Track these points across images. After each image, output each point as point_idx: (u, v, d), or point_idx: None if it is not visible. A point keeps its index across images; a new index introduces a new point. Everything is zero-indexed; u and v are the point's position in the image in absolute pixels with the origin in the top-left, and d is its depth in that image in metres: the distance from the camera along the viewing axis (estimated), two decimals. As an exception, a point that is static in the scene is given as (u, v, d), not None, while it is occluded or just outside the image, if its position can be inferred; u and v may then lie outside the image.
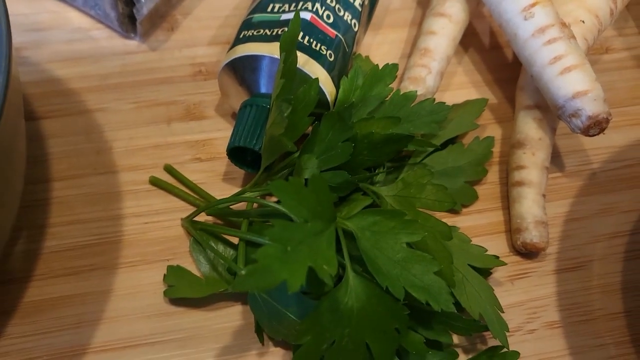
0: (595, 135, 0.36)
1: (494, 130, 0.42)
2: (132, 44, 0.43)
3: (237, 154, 0.36)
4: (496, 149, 0.41)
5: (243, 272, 0.23)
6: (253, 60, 0.36)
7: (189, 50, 0.43)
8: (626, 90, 0.44)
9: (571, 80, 0.36)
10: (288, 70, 0.32)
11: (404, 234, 0.30)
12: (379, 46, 0.45)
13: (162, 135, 0.40)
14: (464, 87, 0.44)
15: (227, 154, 0.36)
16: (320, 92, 0.36)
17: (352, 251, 0.31)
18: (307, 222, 0.27)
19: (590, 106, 0.35)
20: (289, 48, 0.32)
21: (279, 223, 0.26)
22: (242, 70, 0.36)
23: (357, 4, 0.40)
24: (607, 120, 0.35)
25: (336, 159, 0.33)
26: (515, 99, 0.41)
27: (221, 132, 0.40)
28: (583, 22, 0.40)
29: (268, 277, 0.24)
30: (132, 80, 0.42)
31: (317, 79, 0.34)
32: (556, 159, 0.41)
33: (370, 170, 0.36)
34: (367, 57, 0.42)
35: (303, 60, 0.35)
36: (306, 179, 0.33)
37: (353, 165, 0.34)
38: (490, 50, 0.45)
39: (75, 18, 0.44)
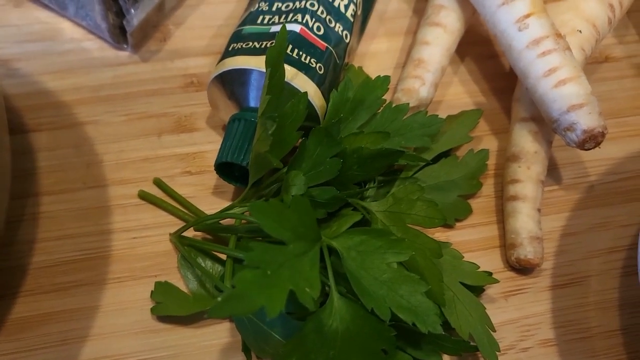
0: (591, 149, 0.35)
1: (489, 142, 0.41)
2: (124, 55, 0.43)
3: (226, 168, 0.36)
4: (491, 161, 0.40)
5: (219, 298, 0.23)
6: (241, 74, 0.35)
7: (181, 61, 0.43)
8: (626, 100, 0.43)
9: (566, 93, 0.35)
10: (274, 86, 0.32)
11: (391, 254, 0.30)
12: (373, 56, 0.44)
13: (152, 148, 0.39)
14: (459, 97, 0.43)
15: (215, 169, 0.36)
16: (310, 106, 0.35)
17: (338, 268, 0.30)
18: (289, 244, 0.27)
19: (586, 120, 0.34)
20: (275, 63, 0.32)
21: (258, 246, 0.25)
22: (230, 83, 0.36)
23: (349, 14, 0.39)
24: (603, 134, 0.35)
25: (324, 175, 0.33)
26: (511, 110, 0.40)
27: (212, 145, 0.40)
28: (580, 32, 0.39)
29: (245, 304, 0.23)
30: (124, 92, 0.41)
31: (305, 93, 0.33)
32: (553, 171, 0.40)
33: (360, 184, 0.36)
34: (360, 68, 0.41)
35: (292, 74, 0.35)
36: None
37: (342, 180, 0.34)
38: (487, 59, 0.44)
39: (68, 29, 0.44)
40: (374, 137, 0.34)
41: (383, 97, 0.36)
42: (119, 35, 0.42)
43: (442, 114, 0.40)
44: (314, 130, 0.33)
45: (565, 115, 0.35)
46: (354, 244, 0.30)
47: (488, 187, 0.39)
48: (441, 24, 0.41)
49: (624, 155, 0.41)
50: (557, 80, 0.35)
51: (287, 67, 0.35)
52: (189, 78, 0.42)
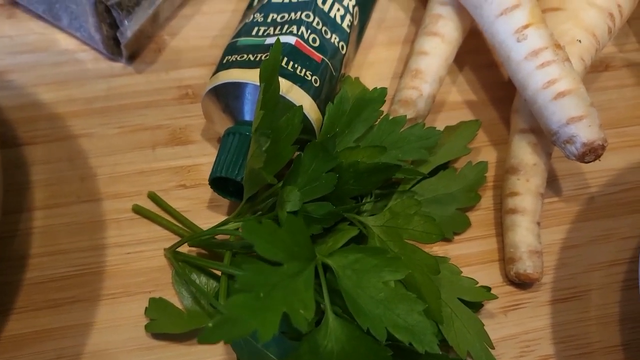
0: (591, 161, 0.35)
1: (488, 153, 0.41)
2: (118, 66, 0.42)
3: (220, 183, 0.36)
4: (490, 173, 0.40)
5: (210, 324, 0.22)
6: (236, 88, 0.35)
7: (176, 72, 0.42)
8: (626, 110, 0.42)
9: (565, 105, 0.34)
10: (268, 100, 0.31)
11: (387, 272, 0.29)
12: (370, 66, 0.43)
13: (146, 161, 0.39)
14: (458, 107, 0.42)
15: (209, 184, 0.35)
16: (305, 119, 0.35)
17: (334, 286, 0.30)
18: (283, 264, 0.26)
19: (585, 132, 0.34)
20: (269, 77, 0.31)
21: (250, 267, 0.25)
22: (225, 97, 0.36)
23: (345, 25, 0.38)
24: (603, 147, 0.34)
25: (320, 190, 0.32)
26: (510, 121, 0.40)
27: (207, 158, 0.39)
28: (580, 41, 0.38)
29: (237, 329, 0.23)
30: (118, 104, 0.41)
31: (300, 106, 0.33)
32: (553, 183, 0.39)
33: (357, 198, 0.35)
34: (357, 79, 0.41)
35: (287, 87, 0.34)
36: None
37: (339, 195, 0.33)
38: (486, 68, 0.44)
39: (62, 40, 0.43)
40: (371, 152, 0.34)
41: (380, 109, 0.36)
42: (113, 46, 0.42)
43: (441, 125, 0.39)
44: (309, 145, 0.32)
45: (564, 127, 0.34)
46: (350, 263, 0.29)
47: (487, 199, 0.39)
48: (439, 33, 0.40)
49: (625, 166, 0.40)
50: (556, 92, 0.35)
51: (282, 80, 0.34)
52: (183, 89, 0.42)
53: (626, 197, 0.39)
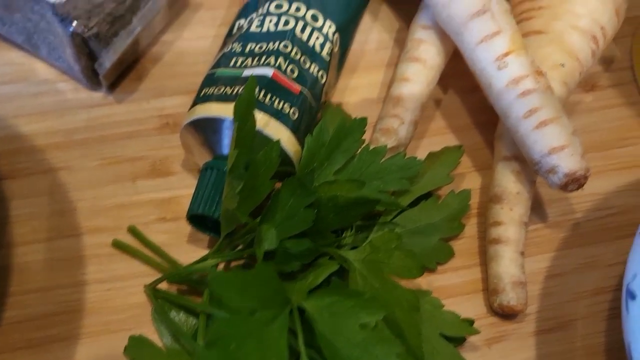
0: (574, 190, 0.34)
1: (473, 179, 0.40)
2: (98, 96, 0.42)
3: (199, 218, 0.35)
4: (475, 200, 0.39)
5: (177, 383, 0.22)
6: (213, 122, 0.35)
7: (156, 101, 0.42)
8: (612, 131, 0.42)
9: (547, 134, 0.34)
10: (243, 139, 0.31)
11: (364, 314, 0.29)
12: (353, 91, 0.43)
13: (126, 194, 0.39)
14: (441, 132, 0.42)
15: (187, 220, 0.35)
16: (283, 153, 0.34)
17: (311, 324, 0.29)
18: (255, 313, 0.26)
19: (567, 163, 0.33)
20: (244, 115, 0.31)
21: (221, 320, 0.24)
22: (203, 130, 0.35)
23: (324, 54, 0.38)
24: (586, 177, 0.34)
25: (298, 225, 0.32)
26: (494, 148, 0.39)
27: (188, 190, 0.39)
28: (563, 65, 0.38)
29: (206, 386, 0.23)
30: (98, 135, 0.41)
31: (278, 141, 0.32)
32: (537, 209, 0.39)
33: (337, 232, 0.35)
34: (338, 106, 0.40)
35: (264, 122, 0.34)
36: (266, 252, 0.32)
37: (319, 229, 0.33)
38: (470, 92, 0.43)
39: (41, 70, 0.43)
40: (349, 186, 0.33)
41: (361, 138, 0.35)
42: (92, 77, 0.41)
43: (424, 150, 0.39)
44: (286, 181, 0.32)
45: (546, 157, 0.34)
46: (326, 305, 0.29)
47: (471, 227, 0.39)
48: (421, 59, 0.40)
49: (611, 189, 0.40)
50: (538, 121, 0.34)
51: (258, 114, 0.34)
52: (164, 119, 0.41)
53: (612, 222, 0.39)
